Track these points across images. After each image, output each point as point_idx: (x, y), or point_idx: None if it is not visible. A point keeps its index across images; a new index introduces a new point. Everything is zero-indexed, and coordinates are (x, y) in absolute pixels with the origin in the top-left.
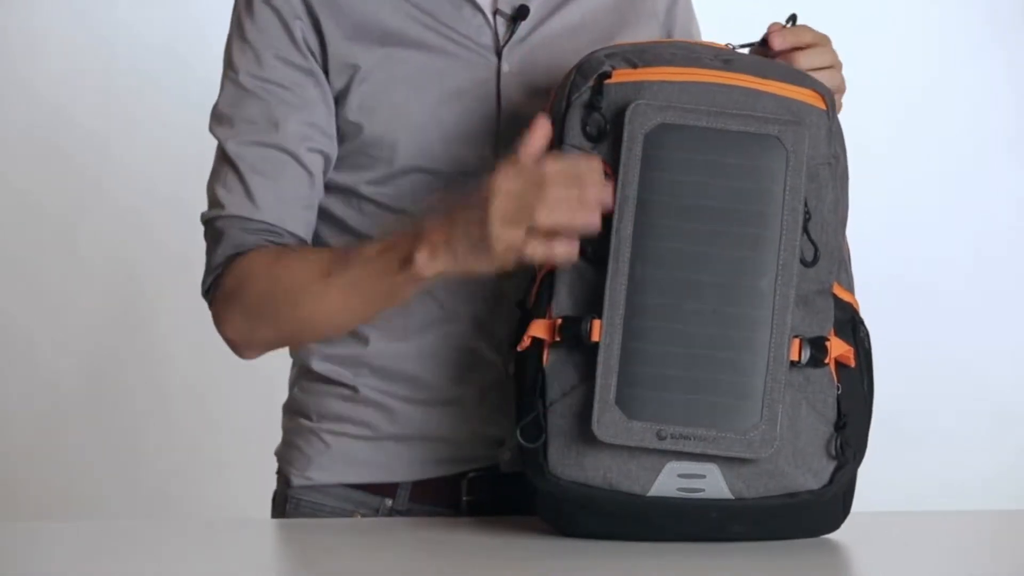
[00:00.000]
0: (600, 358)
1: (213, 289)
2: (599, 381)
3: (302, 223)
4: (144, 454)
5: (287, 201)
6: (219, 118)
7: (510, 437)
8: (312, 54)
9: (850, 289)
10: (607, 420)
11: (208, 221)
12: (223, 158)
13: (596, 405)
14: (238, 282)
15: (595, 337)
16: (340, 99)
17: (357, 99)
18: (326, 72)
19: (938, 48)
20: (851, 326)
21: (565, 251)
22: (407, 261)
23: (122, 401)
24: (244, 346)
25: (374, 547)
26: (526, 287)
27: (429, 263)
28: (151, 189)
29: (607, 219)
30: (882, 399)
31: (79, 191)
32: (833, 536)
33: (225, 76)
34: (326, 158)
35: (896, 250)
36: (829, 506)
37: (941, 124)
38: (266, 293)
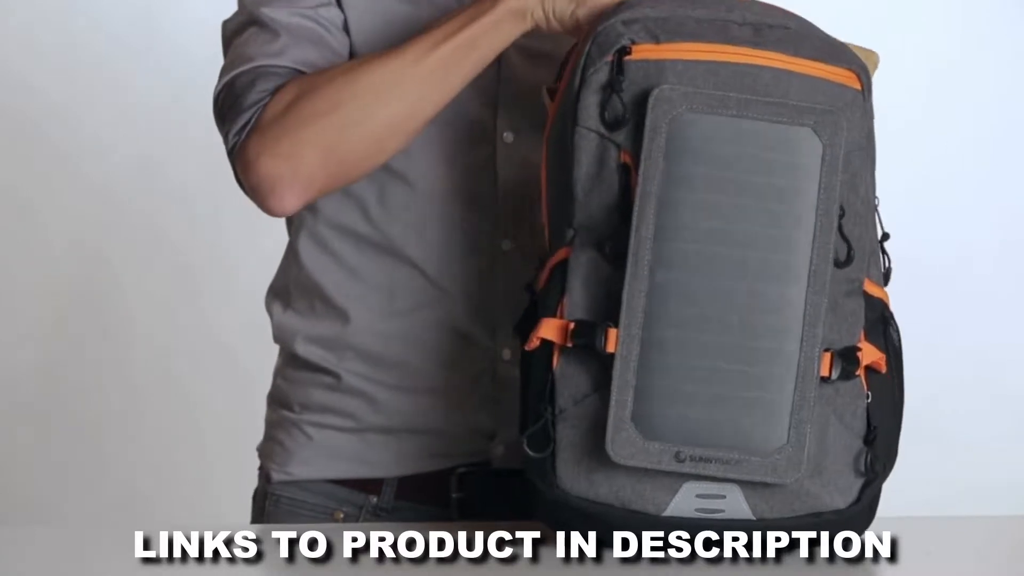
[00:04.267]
0: (616, 371)
1: (248, 129)
2: (614, 396)
3: None
4: (114, 454)
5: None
6: (240, 10)
7: (503, 430)
8: None
9: (880, 280)
10: (622, 439)
11: (233, 80)
12: (251, 26)
13: (611, 423)
14: (290, 95)
15: (611, 348)
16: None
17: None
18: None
19: (964, 14)
20: (881, 324)
21: None
22: (493, 2)
23: (88, 396)
24: (288, 179)
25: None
26: (528, 267)
27: None
28: (119, 162)
29: (626, 214)
30: (911, 396)
31: (40, 164)
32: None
33: None
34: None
35: (919, 234)
36: (855, 518)
37: (968, 96)
38: (322, 92)
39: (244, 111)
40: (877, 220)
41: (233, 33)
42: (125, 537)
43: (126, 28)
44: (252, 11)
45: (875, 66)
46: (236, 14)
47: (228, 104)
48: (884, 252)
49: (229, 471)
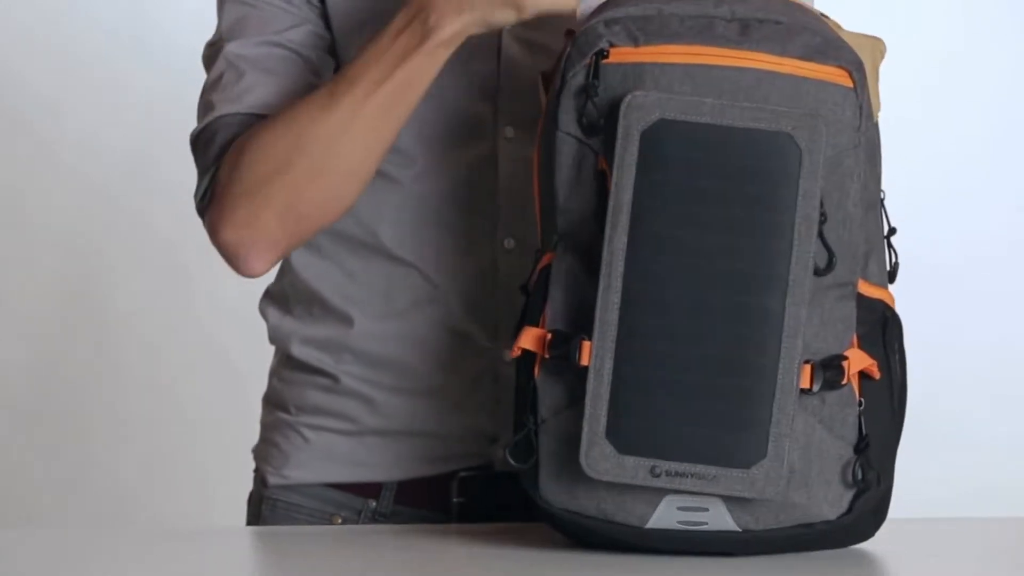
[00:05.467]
0: (589, 385)
1: (209, 193)
2: (588, 411)
3: None
4: (102, 455)
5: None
6: (216, 39)
7: (505, 432)
8: None
9: (883, 278)
10: (596, 454)
11: (198, 134)
12: (220, 65)
13: (584, 437)
14: (237, 157)
15: (584, 361)
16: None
17: (344, 51)
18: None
19: (967, 5)
20: (880, 326)
21: None
22: (424, 33)
23: (78, 396)
24: (248, 246)
25: (353, 559)
26: (530, 266)
27: (450, 21)
28: (109, 157)
29: (604, 223)
30: (910, 395)
31: (30, 160)
32: (859, 544)
33: (221, 4)
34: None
35: (924, 228)
36: (855, 527)
37: (973, 89)
38: (268, 152)
39: (205, 172)
40: (883, 215)
41: (206, 63)
42: (115, 541)
43: (119, 22)
44: (223, 45)
45: (882, 55)
46: (213, 38)
47: (196, 159)
48: (891, 247)
49: (222, 473)
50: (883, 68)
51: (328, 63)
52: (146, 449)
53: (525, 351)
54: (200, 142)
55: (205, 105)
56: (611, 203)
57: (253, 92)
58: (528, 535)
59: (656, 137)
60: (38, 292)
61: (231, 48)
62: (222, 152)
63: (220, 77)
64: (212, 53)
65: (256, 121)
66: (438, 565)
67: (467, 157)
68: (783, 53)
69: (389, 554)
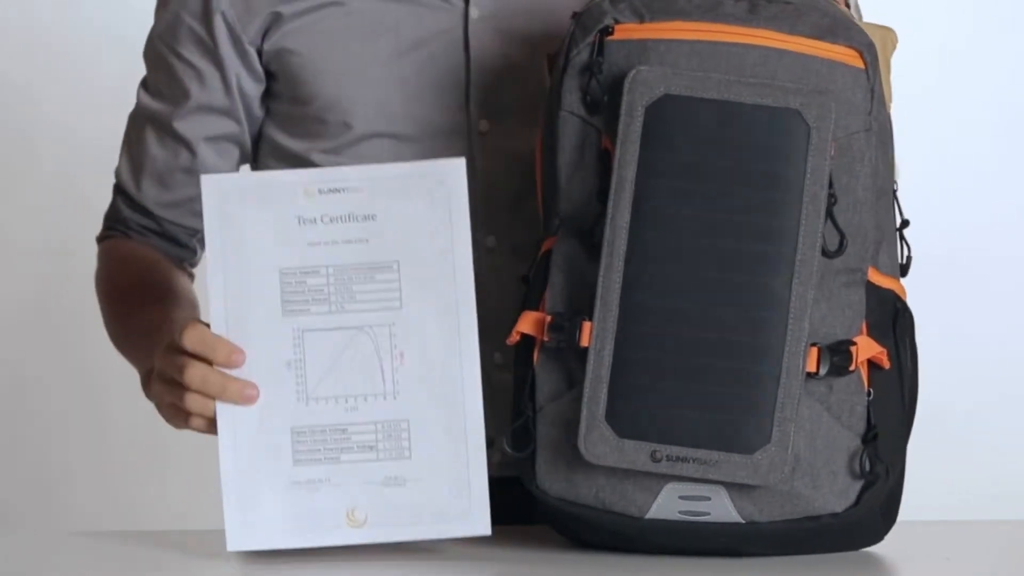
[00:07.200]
0: (589, 367)
1: (97, 256)
2: (587, 393)
3: (184, 219)
4: (82, 457)
5: (176, 204)
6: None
7: (499, 436)
8: (227, 25)
9: (894, 270)
10: (595, 438)
11: (117, 170)
12: (135, 118)
13: (583, 421)
14: (99, 266)
15: (584, 342)
16: (283, 58)
17: (302, 60)
18: (263, 39)
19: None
20: (891, 317)
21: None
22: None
23: (55, 395)
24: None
25: (345, 561)
26: (515, 263)
27: (149, 384)
28: (84, 149)
29: (606, 202)
30: (923, 393)
31: (4, 155)
32: (868, 548)
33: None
34: (234, 141)
35: (936, 219)
36: (863, 523)
37: (987, 72)
38: (101, 291)
39: (103, 225)
40: (896, 207)
41: (134, 109)
42: (97, 543)
43: (108, 20)
44: (144, 103)
45: (893, 45)
46: (145, 78)
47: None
48: (903, 240)
49: (205, 474)
50: (904, 36)
51: (209, 152)
52: (128, 450)
53: (523, 339)
54: (115, 186)
55: (123, 155)
56: (614, 179)
57: (142, 185)
58: (524, 538)
59: (661, 112)
60: (10, 290)
61: (142, 106)
62: (110, 227)
63: (131, 133)
64: (141, 97)
65: (142, 209)
66: (432, 567)
67: (441, 156)
68: (792, 31)
69: (382, 556)
